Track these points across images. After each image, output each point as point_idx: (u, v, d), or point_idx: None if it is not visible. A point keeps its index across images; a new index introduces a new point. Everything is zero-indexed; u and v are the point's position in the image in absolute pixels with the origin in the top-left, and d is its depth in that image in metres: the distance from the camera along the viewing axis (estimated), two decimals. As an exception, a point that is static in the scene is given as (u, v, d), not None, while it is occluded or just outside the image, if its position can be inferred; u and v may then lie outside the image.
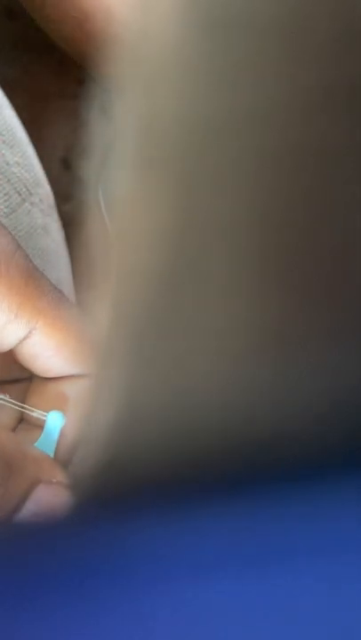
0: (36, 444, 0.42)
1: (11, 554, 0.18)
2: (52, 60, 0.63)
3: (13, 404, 0.43)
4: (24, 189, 0.50)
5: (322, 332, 0.18)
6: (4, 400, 0.43)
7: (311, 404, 0.18)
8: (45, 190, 0.51)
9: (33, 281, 0.42)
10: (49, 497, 0.39)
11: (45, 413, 0.42)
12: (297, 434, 0.18)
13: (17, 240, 0.42)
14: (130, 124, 0.19)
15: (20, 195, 0.49)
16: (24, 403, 0.43)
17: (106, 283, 0.20)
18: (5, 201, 0.49)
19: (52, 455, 0.42)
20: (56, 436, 0.42)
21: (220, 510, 0.18)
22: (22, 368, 0.43)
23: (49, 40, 0.57)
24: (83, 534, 0.19)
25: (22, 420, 0.43)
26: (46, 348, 0.42)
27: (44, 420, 0.42)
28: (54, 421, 0.42)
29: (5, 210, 0.49)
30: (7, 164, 0.49)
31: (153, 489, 0.19)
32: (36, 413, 0.42)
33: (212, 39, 0.17)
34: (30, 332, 0.41)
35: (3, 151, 0.49)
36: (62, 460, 0.42)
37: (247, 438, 0.18)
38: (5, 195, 0.49)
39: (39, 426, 0.42)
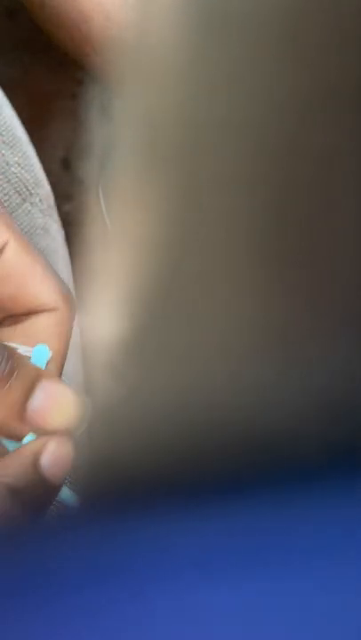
0: None
1: (11, 552, 0.18)
2: (52, 61, 0.63)
3: None
4: (24, 189, 0.50)
5: (324, 332, 0.18)
6: None
7: (312, 404, 0.18)
8: (45, 190, 0.51)
9: (3, 206, 0.41)
10: (54, 393, 0.39)
11: (31, 348, 0.41)
12: (297, 433, 0.18)
13: None
14: (129, 124, 0.19)
15: (20, 195, 0.49)
16: None
17: (106, 282, 0.20)
18: (5, 201, 0.49)
19: None
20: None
21: (220, 509, 0.18)
22: None
23: (49, 40, 0.57)
24: (82, 533, 0.19)
25: None
26: (19, 266, 0.41)
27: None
28: (40, 355, 0.41)
29: (5, 210, 0.49)
30: (7, 164, 0.49)
31: (153, 487, 0.19)
32: (21, 349, 0.41)
33: (212, 38, 0.17)
34: (2, 248, 0.41)
35: (3, 151, 0.49)
36: None
37: (248, 437, 0.18)
38: (5, 195, 0.49)
39: None
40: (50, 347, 0.41)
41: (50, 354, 0.41)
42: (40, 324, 0.42)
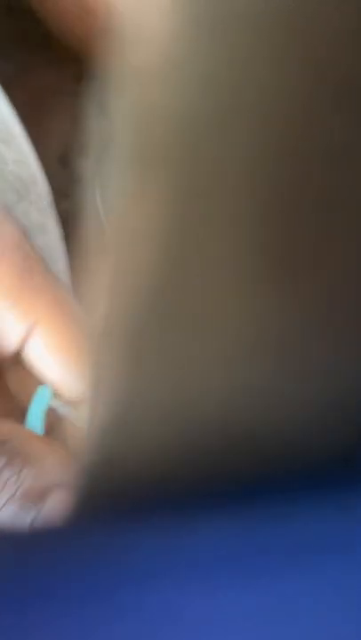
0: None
1: (12, 559, 0.18)
2: (50, 57, 0.63)
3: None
4: (21, 187, 0.50)
5: (323, 333, 0.17)
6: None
7: (312, 405, 0.18)
8: (43, 188, 0.51)
9: (31, 275, 0.40)
10: (65, 500, 0.38)
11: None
12: (297, 434, 0.18)
13: (22, 231, 0.41)
14: (127, 122, 0.19)
15: (17, 193, 0.49)
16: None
17: (104, 281, 0.20)
18: (2, 199, 0.49)
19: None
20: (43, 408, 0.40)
21: (219, 512, 0.18)
22: None
23: (47, 36, 0.57)
24: (82, 538, 0.18)
25: None
26: (49, 353, 0.39)
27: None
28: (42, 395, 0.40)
29: (3, 208, 0.49)
30: (4, 161, 0.49)
31: (151, 490, 0.19)
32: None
33: (212, 36, 0.17)
34: (32, 332, 0.39)
35: (0, 149, 0.49)
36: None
37: (247, 439, 0.18)
38: (2, 193, 0.49)
39: None
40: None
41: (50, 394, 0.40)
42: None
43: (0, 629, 0.17)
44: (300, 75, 0.16)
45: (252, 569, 0.17)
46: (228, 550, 0.17)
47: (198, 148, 0.17)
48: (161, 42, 0.18)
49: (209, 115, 0.17)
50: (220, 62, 0.17)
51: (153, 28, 0.18)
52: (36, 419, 0.40)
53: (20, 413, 0.41)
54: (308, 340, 0.17)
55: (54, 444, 0.40)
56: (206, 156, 0.17)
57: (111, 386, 0.20)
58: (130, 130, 0.19)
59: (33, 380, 0.41)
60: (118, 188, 0.19)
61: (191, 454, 0.19)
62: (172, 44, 0.17)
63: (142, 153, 0.19)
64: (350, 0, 0.15)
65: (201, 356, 0.18)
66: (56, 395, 0.40)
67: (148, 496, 0.19)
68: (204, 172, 0.17)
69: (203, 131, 0.17)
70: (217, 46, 0.17)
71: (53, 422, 0.41)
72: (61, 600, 0.17)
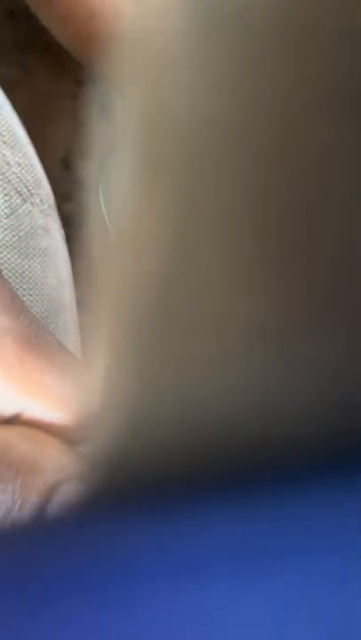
0: None
1: (11, 553, 0.18)
2: (52, 61, 0.63)
3: None
4: (25, 190, 0.50)
5: (323, 333, 0.18)
6: None
7: (312, 405, 0.18)
8: (46, 190, 0.51)
9: (30, 359, 0.41)
10: (71, 494, 0.38)
11: None
12: (297, 434, 0.18)
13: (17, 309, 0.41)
14: (130, 124, 0.19)
15: (20, 195, 0.49)
16: None
17: (106, 283, 0.20)
18: (6, 201, 0.49)
19: None
20: None
21: (219, 510, 0.18)
22: None
23: (49, 41, 0.57)
24: (82, 535, 0.19)
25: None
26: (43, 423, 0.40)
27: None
28: None
29: (6, 210, 0.49)
30: (8, 164, 0.49)
31: (152, 488, 0.19)
32: None
33: (215, 37, 0.17)
34: (26, 409, 0.40)
35: (3, 151, 0.49)
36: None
37: (248, 438, 0.18)
38: (6, 195, 0.49)
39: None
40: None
41: None
42: None
43: (1, 626, 0.17)
44: (299, 75, 0.16)
45: (252, 568, 0.17)
46: (228, 549, 0.17)
47: (201, 151, 0.18)
48: (164, 45, 0.18)
49: (211, 117, 0.17)
50: (223, 65, 0.17)
51: (156, 31, 0.18)
52: None
53: None
54: (310, 339, 0.18)
55: (49, 439, 0.40)
56: (209, 159, 0.17)
57: (116, 386, 0.20)
58: (133, 132, 0.19)
59: None
60: (121, 191, 0.19)
61: (192, 454, 0.19)
62: (175, 48, 0.17)
63: (145, 155, 0.19)
64: (348, 1, 0.15)
65: (203, 354, 0.18)
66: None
67: (149, 494, 0.19)
68: (206, 174, 0.17)
69: (206, 133, 0.17)
70: (220, 49, 0.17)
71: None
72: (61, 597, 0.17)
